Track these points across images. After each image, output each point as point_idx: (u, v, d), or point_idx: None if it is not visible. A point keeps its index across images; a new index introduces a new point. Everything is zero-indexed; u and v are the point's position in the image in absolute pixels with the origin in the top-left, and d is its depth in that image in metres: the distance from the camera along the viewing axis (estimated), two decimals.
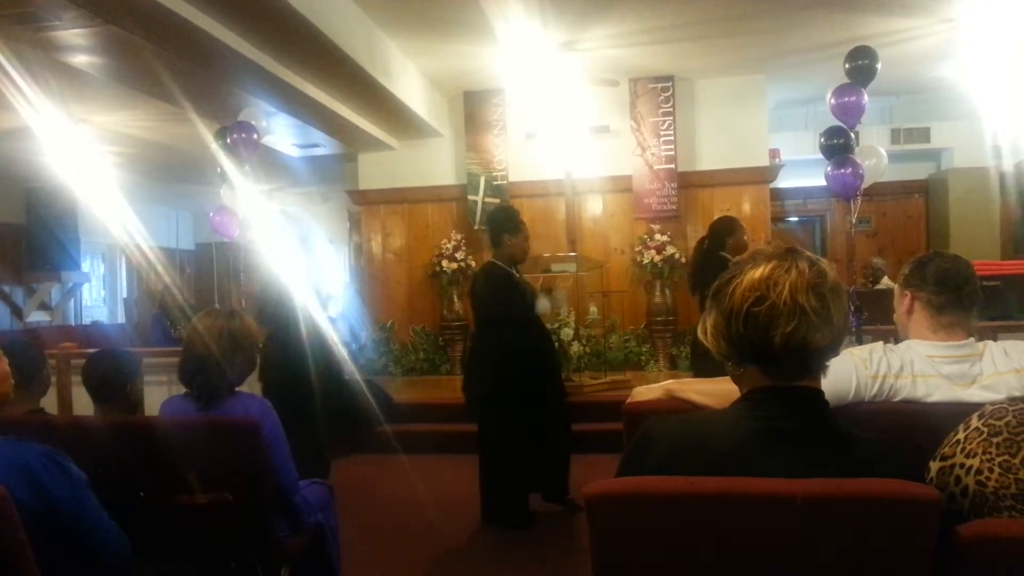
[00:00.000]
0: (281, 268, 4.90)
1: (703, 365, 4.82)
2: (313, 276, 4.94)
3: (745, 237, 5.50)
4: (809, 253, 1.35)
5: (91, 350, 4.06)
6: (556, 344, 7.10)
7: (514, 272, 4.54)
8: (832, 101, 6.57)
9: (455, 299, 8.52)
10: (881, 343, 2.04)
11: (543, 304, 4.75)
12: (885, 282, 8.05)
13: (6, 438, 1.89)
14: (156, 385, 4.70)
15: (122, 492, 2.23)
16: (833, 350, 1.35)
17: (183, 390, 2.77)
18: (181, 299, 8.82)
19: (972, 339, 2.01)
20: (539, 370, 4.52)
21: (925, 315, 2.04)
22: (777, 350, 1.28)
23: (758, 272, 1.30)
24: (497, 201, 8.37)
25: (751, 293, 1.29)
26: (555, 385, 4.71)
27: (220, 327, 2.71)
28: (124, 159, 9.11)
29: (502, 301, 4.41)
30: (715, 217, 6.04)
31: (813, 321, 1.27)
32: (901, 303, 2.12)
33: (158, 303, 9.69)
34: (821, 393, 1.35)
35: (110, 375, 2.84)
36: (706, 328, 1.39)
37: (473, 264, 8.29)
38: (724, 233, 5.45)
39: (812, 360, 1.33)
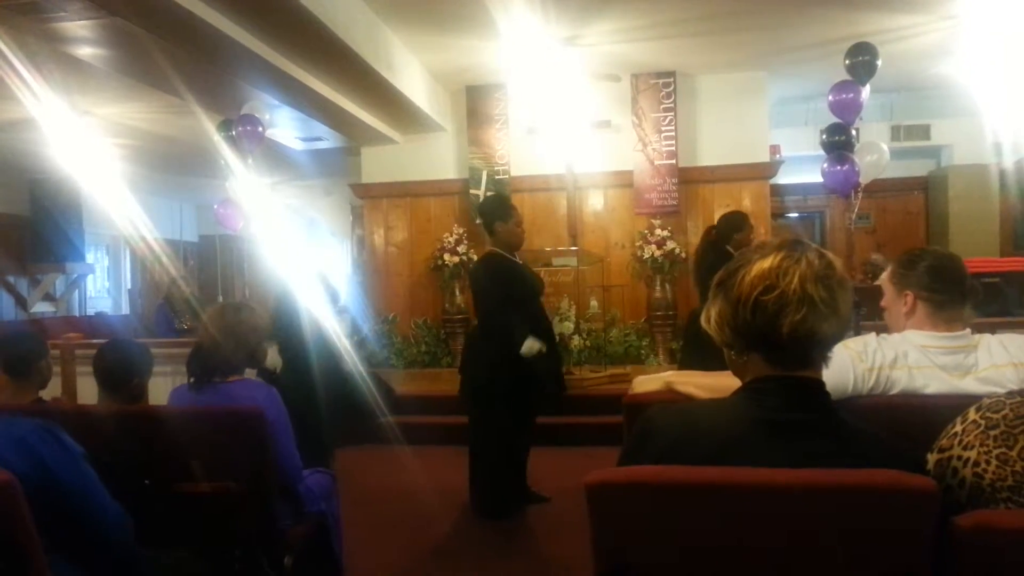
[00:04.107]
0: (284, 261, 4.92)
1: (695, 351, 4.83)
2: (318, 265, 4.96)
3: (752, 236, 5.44)
4: (815, 245, 1.36)
5: (96, 340, 4.08)
6: (557, 338, 7.13)
7: (516, 260, 4.45)
8: (830, 98, 6.58)
9: (456, 292, 8.54)
10: (874, 334, 2.04)
11: (530, 345, 4.22)
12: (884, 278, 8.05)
13: None
14: (160, 376, 4.70)
15: (127, 480, 2.22)
16: (838, 340, 1.37)
17: (187, 380, 2.78)
18: (187, 291, 8.86)
19: (968, 330, 2.01)
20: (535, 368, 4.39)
21: (926, 313, 2.03)
22: (784, 339, 1.29)
23: (767, 262, 1.32)
24: None
25: (760, 282, 1.31)
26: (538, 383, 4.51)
27: (229, 321, 2.73)
28: (128, 151, 9.11)
29: (504, 285, 4.30)
30: (722, 212, 5.95)
31: (822, 311, 1.29)
32: (898, 303, 2.10)
33: (164, 295, 9.73)
34: (823, 384, 1.36)
35: (117, 366, 2.84)
36: (710, 316, 1.40)
37: (475, 258, 8.29)
38: (732, 228, 5.41)
39: (817, 350, 1.34)
